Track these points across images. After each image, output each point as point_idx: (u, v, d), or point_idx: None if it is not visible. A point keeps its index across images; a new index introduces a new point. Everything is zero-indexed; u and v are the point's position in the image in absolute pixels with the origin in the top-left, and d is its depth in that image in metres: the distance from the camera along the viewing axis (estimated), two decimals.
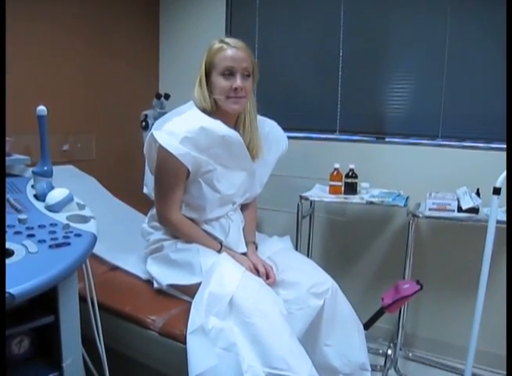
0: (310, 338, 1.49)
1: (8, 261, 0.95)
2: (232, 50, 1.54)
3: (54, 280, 0.95)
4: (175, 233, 1.63)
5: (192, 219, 1.62)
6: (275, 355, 1.25)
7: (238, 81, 1.53)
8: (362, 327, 1.62)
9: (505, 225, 1.78)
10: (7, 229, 1.09)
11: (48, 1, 2.26)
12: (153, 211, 1.70)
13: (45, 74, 2.30)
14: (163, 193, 1.57)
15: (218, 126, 1.52)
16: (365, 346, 1.59)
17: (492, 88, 2.12)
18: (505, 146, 2.00)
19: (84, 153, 2.53)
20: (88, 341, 1.28)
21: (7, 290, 0.84)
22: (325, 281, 1.53)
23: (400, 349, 2.21)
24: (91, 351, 1.31)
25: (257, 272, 1.55)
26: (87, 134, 2.55)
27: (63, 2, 2.34)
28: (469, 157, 2.19)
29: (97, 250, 1.51)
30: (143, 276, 1.70)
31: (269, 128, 1.77)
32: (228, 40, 1.56)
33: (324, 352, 1.51)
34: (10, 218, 1.16)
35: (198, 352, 1.28)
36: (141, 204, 2.11)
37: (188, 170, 1.51)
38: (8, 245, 1.01)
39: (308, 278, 1.53)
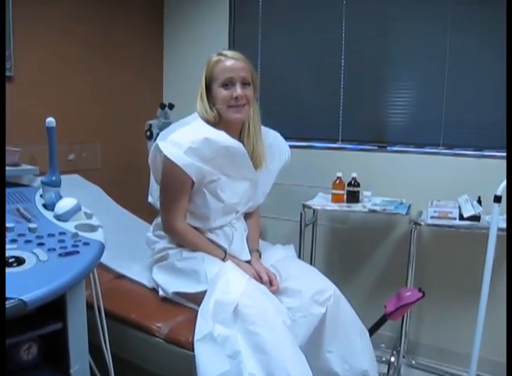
0: (313, 345, 1.50)
1: (19, 269, 0.98)
2: (230, 61, 1.57)
3: (64, 288, 0.97)
4: (180, 241, 1.65)
5: (196, 228, 1.64)
6: (277, 364, 1.26)
7: (238, 90, 1.56)
8: (367, 333, 1.63)
9: (505, 233, 1.79)
10: (18, 237, 1.12)
11: (56, 13, 2.31)
12: (158, 220, 1.73)
13: (50, 84, 2.34)
14: (168, 202, 1.60)
15: (221, 137, 1.54)
16: (370, 353, 1.60)
17: (492, 96, 2.15)
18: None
19: (89, 163, 2.57)
20: (94, 349, 1.29)
21: (19, 297, 0.86)
22: (327, 288, 1.55)
23: (403, 357, 2.22)
24: (97, 358, 1.32)
25: (260, 280, 1.57)
26: (92, 143, 2.58)
27: (71, 14, 2.38)
28: (470, 165, 2.21)
29: (102, 258, 1.52)
30: (148, 284, 1.72)
31: (272, 139, 1.80)
32: (225, 52, 1.60)
33: (327, 358, 1.52)
34: (21, 227, 1.19)
35: (208, 359, 1.30)
36: (145, 213, 2.13)
37: (192, 180, 1.54)
38: (19, 253, 1.03)
39: (310, 286, 1.54)
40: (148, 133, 2.56)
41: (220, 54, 1.60)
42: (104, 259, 1.75)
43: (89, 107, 2.55)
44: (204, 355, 1.31)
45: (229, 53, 1.60)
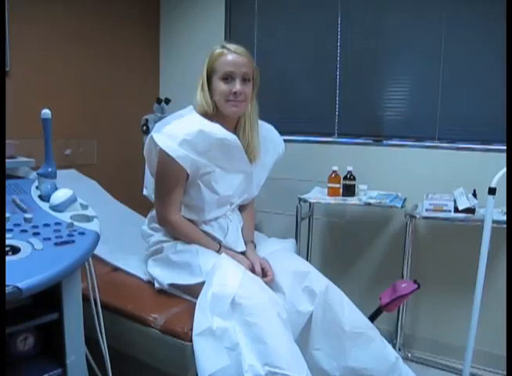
0: (301, 342, 1.48)
1: (15, 257, 0.98)
2: (232, 55, 1.58)
3: (59, 275, 0.98)
4: (175, 234, 1.65)
5: (191, 220, 1.65)
6: (277, 354, 1.27)
7: (237, 86, 1.56)
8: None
9: (500, 225, 1.81)
10: (14, 227, 1.12)
11: (51, 7, 2.30)
12: (153, 212, 1.73)
13: (46, 79, 2.33)
14: (162, 194, 1.60)
15: (216, 129, 1.55)
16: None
17: (488, 89, 2.15)
18: (501, 147, 2.04)
19: (85, 158, 2.56)
20: (90, 340, 1.30)
21: (15, 284, 0.87)
22: (317, 285, 1.53)
23: (399, 350, 2.23)
24: (93, 349, 1.33)
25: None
26: (89, 139, 2.58)
27: (66, 7, 2.38)
28: (466, 159, 2.21)
29: (98, 251, 1.54)
30: (144, 277, 1.72)
31: (266, 132, 1.80)
32: (229, 45, 1.60)
33: (314, 355, 1.52)
34: (16, 217, 1.19)
35: (207, 353, 1.30)
36: (142, 207, 2.13)
37: (187, 172, 1.54)
38: (15, 242, 1.04)
39: (299, 282, 1.53)
40: (144, 128, 2.56)
41: (223, 47, 1.60)
42: (100, 252, 1.77)
43: (85, 102, 2.55)
44: (204, 350, 1.31)
45: (232, 47, 1.59)
